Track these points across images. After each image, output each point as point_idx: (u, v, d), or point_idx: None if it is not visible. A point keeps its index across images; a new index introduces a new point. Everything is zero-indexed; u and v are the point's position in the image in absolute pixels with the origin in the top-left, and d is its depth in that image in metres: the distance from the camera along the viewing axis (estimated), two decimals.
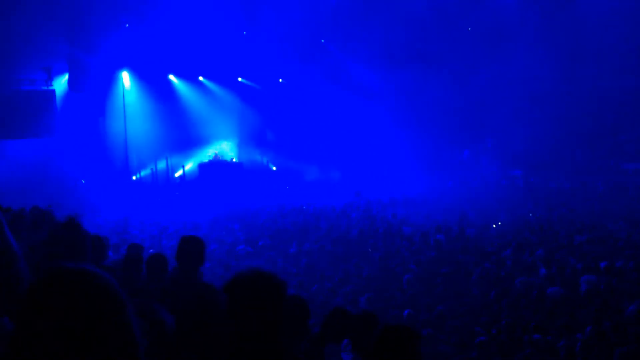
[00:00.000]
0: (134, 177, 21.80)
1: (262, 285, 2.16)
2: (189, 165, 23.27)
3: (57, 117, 18.69)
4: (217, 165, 22.32)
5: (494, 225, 13.93)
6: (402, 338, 2.81)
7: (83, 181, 19.54)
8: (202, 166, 22.50)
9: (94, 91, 19.51)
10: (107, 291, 1.37)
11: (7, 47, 16.35)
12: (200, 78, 23.67)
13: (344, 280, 8.90)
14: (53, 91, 18.71)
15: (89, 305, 1.32)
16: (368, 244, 11.50)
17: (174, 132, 22.37)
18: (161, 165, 22.49)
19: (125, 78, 21.43)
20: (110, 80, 20.70)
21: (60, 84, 19.24)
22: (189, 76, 23.33)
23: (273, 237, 12.57)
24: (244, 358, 2.12)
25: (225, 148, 23.70)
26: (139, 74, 21.73)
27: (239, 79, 24.39)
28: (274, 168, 24.83)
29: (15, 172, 16.73)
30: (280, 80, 24.80)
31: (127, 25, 19.07)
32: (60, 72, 19.13)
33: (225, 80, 23.90)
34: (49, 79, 18.24)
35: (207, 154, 22.96)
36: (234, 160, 23.61)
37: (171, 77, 23.25)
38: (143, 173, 22.38)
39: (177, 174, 23.11)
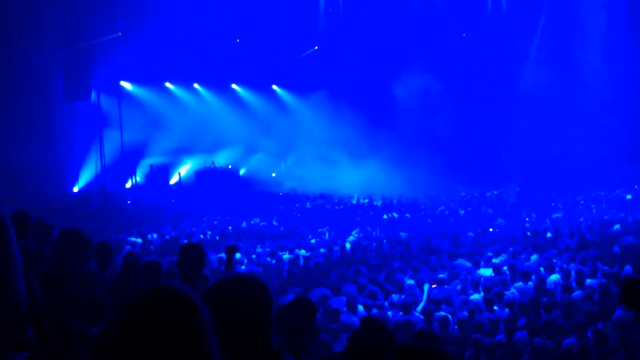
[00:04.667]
0: (127, 185, 21.68)
1: (244, 288, 2.05)
2: (185, 169, 23.24)
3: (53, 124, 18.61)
4: (213, 173, 22.28)
5: (490, 230, 13.89)
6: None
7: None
8: (198, 173, 22.46)
9: (89, 99, 19.44)
10: (199, 310, 1.41)
11: (3, 53, 16.30)
12: (196, 85, 23.65)
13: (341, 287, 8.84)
14: (49, 99, 18.64)
15: (187, 322, 1.36)
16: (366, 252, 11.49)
17: (170, 139, 22.26)
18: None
19: (123, 86, 21.41)
20: (105, 88, 20.60)
21: (56, 91, 19.15)
22: (184, 83, 23.29)
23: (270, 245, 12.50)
24: None
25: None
26: (135, 82, 21.68)
27: (233, 85, 24.41)
28: (274, 174, 24.76)
29: (10, 179, 16.58)
30: (274, 87, 24.87)
31: (124, 32, 19.05)
32: (56, 80, 19.04)
33: (220, 87, 23.88)
34: (45, 87, 18.16)
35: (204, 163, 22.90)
36: (230, 167, 23.54)
37: (167, 84, 23.20)
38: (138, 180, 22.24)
39: (172, 181, 23.00)
